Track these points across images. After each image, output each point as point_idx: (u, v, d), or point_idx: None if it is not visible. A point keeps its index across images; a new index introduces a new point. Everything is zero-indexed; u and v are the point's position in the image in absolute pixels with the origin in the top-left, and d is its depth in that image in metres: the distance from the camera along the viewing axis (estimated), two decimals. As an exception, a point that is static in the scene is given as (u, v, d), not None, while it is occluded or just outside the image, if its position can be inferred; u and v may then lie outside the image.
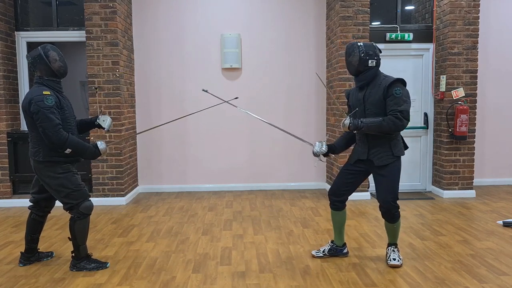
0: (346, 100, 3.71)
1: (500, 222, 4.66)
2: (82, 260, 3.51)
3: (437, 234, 4.31)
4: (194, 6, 6.34)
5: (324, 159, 3.66)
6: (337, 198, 3.61)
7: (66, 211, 3.47)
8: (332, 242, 3.76)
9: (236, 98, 4.04)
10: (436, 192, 6.11)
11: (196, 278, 3.34)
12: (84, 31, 5.65)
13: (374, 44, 3.45)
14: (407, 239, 4.16)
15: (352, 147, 3.70)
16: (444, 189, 5.91)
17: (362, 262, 3.60)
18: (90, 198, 3.50)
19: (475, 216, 4.99)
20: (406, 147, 3.51)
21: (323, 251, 3.73)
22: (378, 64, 3.41)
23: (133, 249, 3.99)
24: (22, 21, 5.99)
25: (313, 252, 3.76)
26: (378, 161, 3.40)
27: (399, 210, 3.46)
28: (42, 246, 4.05)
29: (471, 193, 5.88)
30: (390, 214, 3.43)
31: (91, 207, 3.48)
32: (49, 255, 3.79)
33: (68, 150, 3.32)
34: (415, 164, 6.27)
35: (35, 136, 3.37)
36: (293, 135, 3.82)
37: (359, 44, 3.41)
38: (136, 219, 4.99)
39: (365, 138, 3.43)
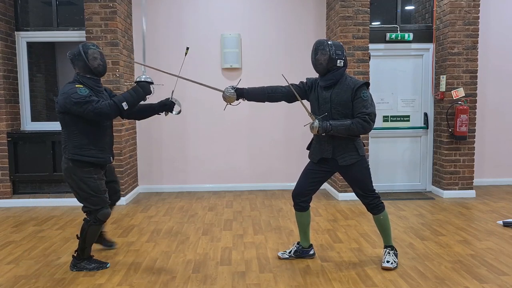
0: (303, 82, 3.60)
1: (500, 222, 4.66)
2: (83, 260, 3.51)
3: (437, 234, 4.31)
4: (194, 6, 6.34)
5: (236, 103, 3.53)
6: (302, 198, 3.58)
7: (84, 213, 3.47)
8: (298, 243, 3.74)
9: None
10: (436, 192, 6.11)
11: (196, 278, 3.34)
12: (84, 31, 5.65)
13: (342, 44, 3.45)
14: (407, 239, 4.16)
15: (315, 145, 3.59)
16: (444, 189, 5.91)
17: (362, 262, 3.60)
18: (107, 203, 3.47)
19: (475, 216, 4.99)
20: None
21: (289, 253, 3.72)
22: (345, 64, 3.40)
23: (133, 249, 3.99)
24: (22, 21, 5.98)
25: (279, 254, 3.75)
26: (342, 161, 3.41)
27: (381, 199, 3.48)
28: (42, 246, 4.07)
29: (471, 193, 5.88)
30: (373, 205, 3.46)
31: (108, 214, 3.46)
32: (111, 245, 3.95)
33: (125, 106, 3.26)
34: (415, 164, 6.27)
35: (64, 132, 3.37)
36: (205, 85, 3.63)
37: (329, 42, 3.37)
38: (136, 219, 4.99)
39: (330, 136, 3.39)
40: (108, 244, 3.97)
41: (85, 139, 3.34)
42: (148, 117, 3.75)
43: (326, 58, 3.34)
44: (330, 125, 3.28)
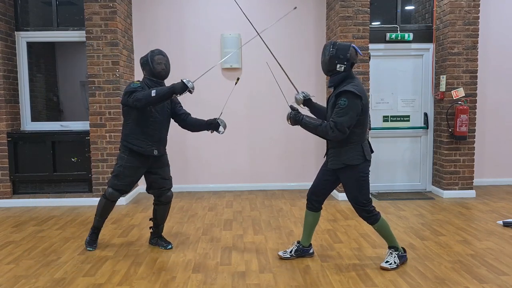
0: None
1: (500, 222, 4.66)
2: (93, 230, 3.99)
3: (437, 234, 4.31)
4: (194, 6, 6.34)
5: (297, 106, 3.63)
6: (316, 198, 3.60)
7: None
8: (298, 242, 3.75)
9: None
10: (436, 192, 6.11)
11: (196, 278, 3.34)
12: (84, 31, 5.65)
13: (351, 46, 3.33)
14: (407, 239, 4.16)
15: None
16: (444, 189, 5.91)
17: (362, 262, 3.60)
18: (119, 190, 3.84)
19: (475, 216, 4.99)
20: (367, 155, 3.38)
21: (290, 252, 3.72)
22: (346, 69, 3.32)
23: (133, 249, 3.99)
24: (22, 21, 5.98)
25: (280, 253, 3.74)
26: (329, 164, 3.45)
27: (374, 212, 3.42)
28: (42, 246, 4.07)
29: (471, 193, 5.88)
30: (362, 216, 3.45)
31: (112, 194, 3.84)
32: (166, 246, 4.01)
33: (153, 93, 3.54)
34: (415, 164, 6.28)
35: (123, 122, 3.87)
36: (290, 80, 3.75)
37: (332, 45, 3.34)
38: (136, 219, 4.99)
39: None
40: (164, 245, 4.03)
41: (133, 129, 3.77)
42: (199, 131, 4.12)
43: (326, 60, 3.36)
44: (301, 119, 3.37)
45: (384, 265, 3.45)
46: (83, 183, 5.81)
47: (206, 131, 4.04)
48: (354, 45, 3.38)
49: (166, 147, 3.91)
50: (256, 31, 3.88)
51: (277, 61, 3.80)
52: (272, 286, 3.18)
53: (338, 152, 3.37)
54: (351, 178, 3.39)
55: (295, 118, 3.41)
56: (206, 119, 4.00)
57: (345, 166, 3.36)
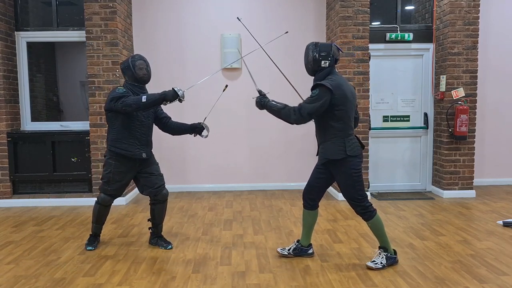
0: None
1: (500, 222, 4.66)
2: (91, 235, 4.04)
3: (437, 234, 4.31)
4: (194, 6, 6.34)
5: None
6: (311, 196, 3.62)
7: None
8: (297, 241, 3.76)
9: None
10: (436, 192, 6.11)
11: (196, 278, 3.34)
12: (84, 31, 5.65)
13: (333, 44, 3.46)
14: (407, 239, 4.16)
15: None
16: (444, 189, 5.91)
17: (362, 262, 3.60)
18: (111, 195, 3.91)
19: (475, 216, 4.99)
20: (349, 150, 3.33)
21: (289, 250, 3.74)
22: (330, 64, 3.42)
23: (133, 249, 3.99)
24: (22, 21, 5.98)
25: (279, 250, 3.78)
26: (319, 160, 3.52)
27: (369, 208, 3.43)
28: (42, 246, 4.07)
29: (471, 193, 5.88)
30: (357, 212, 3.48)
31: (104, 199, 3.90)
32: (166, 246, 4.00)
33: (143, 99, 3.60)
34: (415, 164, 6.28)
35: (107, 127, 3.93)
36: (296, 90, 3.87)
37: (314, 44, 3.45)
38: (136, 219, 5.00)
39: (316, 134, 3.53)
40: (164, 245, 4.03)
41: (120, 134, 3.81)
42: (180, 135, 4.25)
43: (311, 60, 3.43)
44: (266, 103, 3.50)
45: (369, 264, 3.45)
46: (83, 183, 5.81)
47: (186, 135, 4.15)
48: (334, 44, 3.51)
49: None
50: (260, 45, 4.00)
51: (282, 74, 3.90)
52: (272, 286, 3.18)
53: (323, 147, 3.46)
54: (343, 174, 3.42)
55: (260, 102, 3.54)
56: (189, 123, 4.11)
57: (328, 161, 3.41)
